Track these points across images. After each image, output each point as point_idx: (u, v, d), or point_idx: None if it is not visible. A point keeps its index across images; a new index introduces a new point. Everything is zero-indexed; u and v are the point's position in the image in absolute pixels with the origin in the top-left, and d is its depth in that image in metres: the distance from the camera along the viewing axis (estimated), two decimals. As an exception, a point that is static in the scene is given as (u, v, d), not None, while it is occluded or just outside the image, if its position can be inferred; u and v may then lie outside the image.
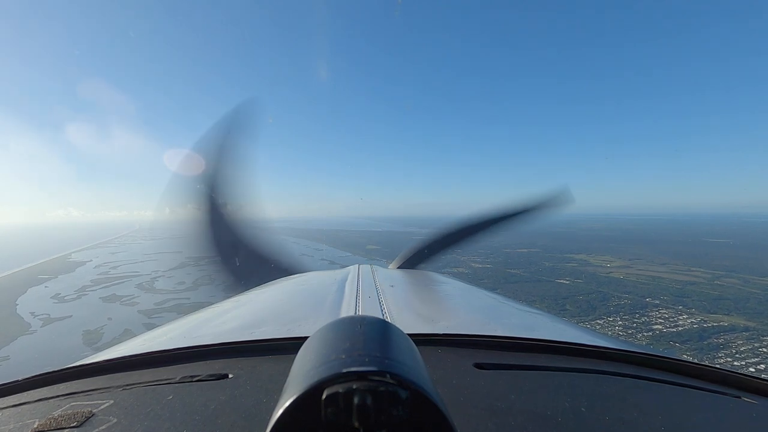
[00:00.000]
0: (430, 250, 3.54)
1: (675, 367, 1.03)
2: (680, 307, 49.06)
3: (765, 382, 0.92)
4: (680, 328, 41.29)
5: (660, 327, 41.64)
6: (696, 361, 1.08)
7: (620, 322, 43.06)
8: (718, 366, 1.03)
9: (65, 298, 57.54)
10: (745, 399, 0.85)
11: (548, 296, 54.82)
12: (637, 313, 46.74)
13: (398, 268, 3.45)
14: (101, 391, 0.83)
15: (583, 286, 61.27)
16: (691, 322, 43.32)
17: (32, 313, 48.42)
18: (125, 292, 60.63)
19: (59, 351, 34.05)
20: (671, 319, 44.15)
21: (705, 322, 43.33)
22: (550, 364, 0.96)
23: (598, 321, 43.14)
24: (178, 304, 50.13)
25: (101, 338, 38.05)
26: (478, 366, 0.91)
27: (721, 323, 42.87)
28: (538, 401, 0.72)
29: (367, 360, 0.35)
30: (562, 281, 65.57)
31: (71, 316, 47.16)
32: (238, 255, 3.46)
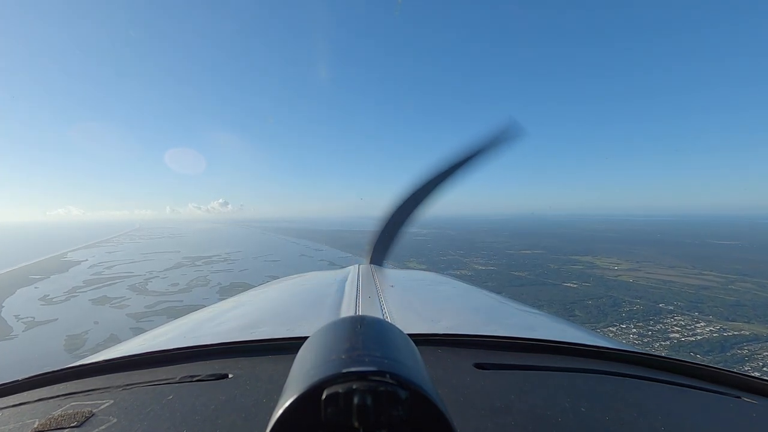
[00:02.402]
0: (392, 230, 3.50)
1: (675, 367, 1.02)
2: (696, 314, 46.67)
3: (765, 382, 0.90)
4: (699, 337, 38.92)
5: (677, 335, 39.32)
6: (696, 361, 1.04)
7: (634, 330, 40.79)
8: (718, 366, 1.00)
9: (53, 299, 55.43)
10: (745, 399, 0.84)
11: (555, 300, 52.55)
12: (651, 319, 44.42)
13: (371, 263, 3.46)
14: (101, 391, 0.82)
15: (592, 290, 58.98)
16: (710, 330, 40.96)
17: (16, 316, 46.31)
18: (116, 293, 58.54)
19: (37, 358, 31.93)
20: (688, 327, 41.80)
21: (725, 330, 40.96)
22: (550, 364, 0.95)
23: (611, 328, 40.87)
24: (169, 307, 48.09)
25: (84, 344, 35.97)
26: (478, 366, 0.90)
27: (742, 332, 40.49)
28: (538, 401, 0.71)
29: (366, 360, 0.34)
30: (569, 285, 63.27)
31: (57, 319, 45.06)
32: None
